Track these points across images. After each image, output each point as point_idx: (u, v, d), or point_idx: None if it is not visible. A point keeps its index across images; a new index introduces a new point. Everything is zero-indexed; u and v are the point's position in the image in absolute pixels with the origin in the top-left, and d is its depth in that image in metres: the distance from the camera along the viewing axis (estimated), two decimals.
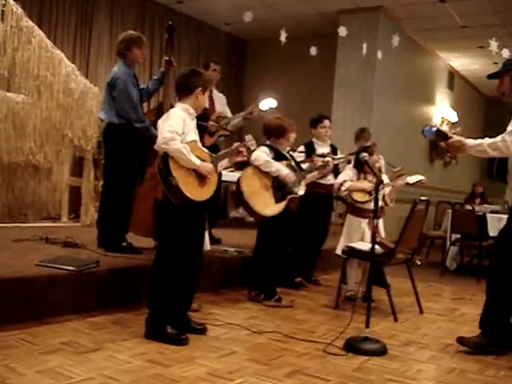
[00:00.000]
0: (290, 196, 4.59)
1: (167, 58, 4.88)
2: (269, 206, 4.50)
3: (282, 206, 4.54)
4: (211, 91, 5.84)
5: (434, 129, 3.73)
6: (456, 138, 3.59)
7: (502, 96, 3.82)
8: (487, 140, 3.54)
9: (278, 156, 4.64)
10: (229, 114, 5.88)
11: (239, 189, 4.46)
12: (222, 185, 6.18)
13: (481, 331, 3.65)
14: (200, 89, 3.46)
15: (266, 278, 4.64)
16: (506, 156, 3.59)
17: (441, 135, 3.67)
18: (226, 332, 3.61)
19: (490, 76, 3.91)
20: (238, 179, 4.52)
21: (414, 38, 10.21)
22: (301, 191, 4.69)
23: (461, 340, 3.65)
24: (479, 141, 3.56)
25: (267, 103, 5.38)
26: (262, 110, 5.39)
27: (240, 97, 11.31)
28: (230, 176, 6.80)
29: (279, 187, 4.56)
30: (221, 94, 6.02)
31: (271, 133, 4.72)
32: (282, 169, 4.59)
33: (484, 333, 3.64)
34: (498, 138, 3.50)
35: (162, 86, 5.00)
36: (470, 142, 3.56)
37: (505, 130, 3.57)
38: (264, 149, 4.61)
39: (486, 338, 3.61)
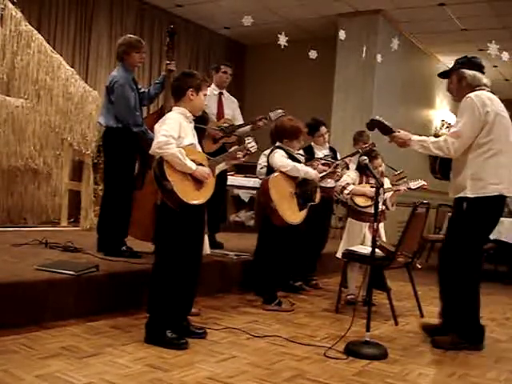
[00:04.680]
0: (309, 203, 4.58)
1: (168, 62, 4.89)
2: (294, 214, 4.49)
3: (304, 213, 4.53)
4: (221, 94, 5.83)
5: (378, 118, 3.77)
6: (401, 132, 3.71)
7: (452, 96, 3.88)
8: (431, 138, 3.66)
9: (291, 158, 4.61)
10: (239, 118, 5.84)
11: (268, 196, 4.40)
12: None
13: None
14: (192, 89, 3.42)
15: (267, 282, 4.63)
16: (447, 156, 3.68)
17: (382, 127, 3.76)
18: (226, 336, 3.59)
19: (440, 75, 3.95)
20: (265, 185, 4.47)
21: (414, 42, 10.22)
22: (317, 198, 4.69)
23: (434, 341, 3.74)
24: (424, 138, 3.67)
25: (277, 114, 5.38)
26: (271, 120, 5.38)
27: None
28: (229, 180, 6.78)
29: (301, 195, 4.56)
30: (233, 98, 5.99)
31: (285, 134, 4.65)
32: (309, 171, 4.58)
33: (452, 331, 3.72)
34: (441, 138, 3.62)
35: (163, 90, 5.00)
36: (415, 137, 3.68)
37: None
38: (282, 152, 4.58)
39: (458, 335, 3.69)
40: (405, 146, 3.75)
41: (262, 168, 5.29)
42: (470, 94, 3.61)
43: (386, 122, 3.77)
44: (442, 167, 3.87)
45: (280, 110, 5.42)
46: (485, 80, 3.71)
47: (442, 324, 3.91)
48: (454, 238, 3.74)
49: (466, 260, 3.67)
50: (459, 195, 3.65)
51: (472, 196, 3.57)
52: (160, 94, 5.12)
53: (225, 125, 5.52)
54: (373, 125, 3.81)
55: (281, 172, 4.51)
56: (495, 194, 3.56)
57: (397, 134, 3.73)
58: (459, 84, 3.74)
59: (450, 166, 3.79)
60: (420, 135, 3.78)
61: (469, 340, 3.68)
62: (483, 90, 3.66)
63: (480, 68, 3.75)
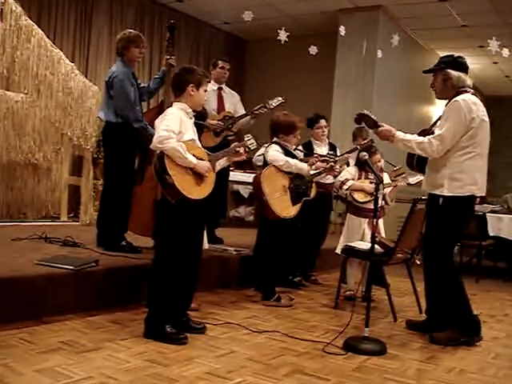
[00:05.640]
0: (304, 198, 4.59)
1: (168, 57, 4.88)
2: (287, 208, 4.49)
3: (298, 208, 4.54)
4: (221, 89, 5.83)
5: (365, 111, 3.85)
6: (386, 127, 3.80)
7: (435, 93, 3.93)
8: (416, 138, 3.75)
9: (287, 154, 4.62)
10: (240, 111, 5.83)
11: (260, 189, 4.43)
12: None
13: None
14: (192, 85, 3.42)
15: (266, 278, 4.63)
16: (429, 157, 3.79)
17: (369, 121, 3.84)
18: (225, 331, 3.60)
19: (425, 71, 3.99)
20: (258, 179, 4.49)
21: (414, 38, 10.21)
22: (312, 193, 4.69)
23: (432, 337, 3.75)
24: (409, 137, 3.76)
25: (276, 101, 5.37)
26: (271, 108, 5.37)
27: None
28: (231, 176, 6.76)
29: (295, 189, 4.56)
30: (234, 92, 5.97)
31: (280, 129, 4.66)
32: (303, 167, 4.59)
33: (451, 327, 3.75)
34: (426, 139, 3.70)
35: (163, 85, 5.00)
36: (399, 134, 3.77)
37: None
38: (277, 147, 4.59)
39: (456, 330, 3.72)
40: (388, 140, 3.83)
41: (259, 155, 5.30)
42: (457, 98, 3.67)
43: (372, 116, 3.84)
44: (418, 163, 3.99)
45: (280, 98, 5.41)
46: (469, 81, 3.77)
47: (427, 321, 3.96)
48: (432, 234, 3.81)
49: (443, 255, 3.76)
50: (435, 192, 3.75)
51: (448, 195, 3.68)
52: (160, 88, 5.12)
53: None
54: (360, 119, 3.90)
55: (274, 166, 4.52)
56: (468, 194, 3.68)
57: (381, 128, 3.80)
58: (444, 84, 3.80)
59: (426, 162, 3.88)
60: (411, 132, 3.84)
61: (465, 333, 3.71)
62: (467, 92, 3.73)
63: (465, 69, 3.81)
